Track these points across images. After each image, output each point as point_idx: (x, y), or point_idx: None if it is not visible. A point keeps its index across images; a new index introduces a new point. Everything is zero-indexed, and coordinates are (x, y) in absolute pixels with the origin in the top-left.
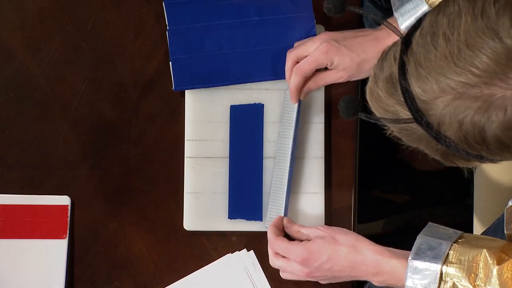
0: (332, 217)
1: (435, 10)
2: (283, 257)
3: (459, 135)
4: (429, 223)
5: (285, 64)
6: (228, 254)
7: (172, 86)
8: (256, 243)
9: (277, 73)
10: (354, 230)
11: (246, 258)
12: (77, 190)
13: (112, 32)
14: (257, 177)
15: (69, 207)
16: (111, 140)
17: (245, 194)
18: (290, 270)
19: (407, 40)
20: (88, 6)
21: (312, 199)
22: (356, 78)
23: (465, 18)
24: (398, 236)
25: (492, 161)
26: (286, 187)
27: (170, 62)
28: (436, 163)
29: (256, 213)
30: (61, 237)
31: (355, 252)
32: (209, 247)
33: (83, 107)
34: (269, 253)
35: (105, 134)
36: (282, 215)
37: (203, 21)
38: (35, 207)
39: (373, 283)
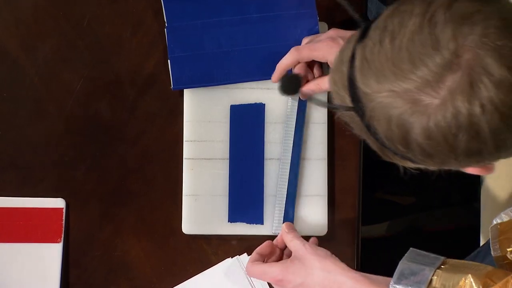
0: (336, 220)
1: (394, 5)
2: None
3: (386, 133)
4: (411, 248)
5: None
6: (228, 259)
7: (170, 85)
8: (256, 247)
9: None
10: (358, 232)
11: (246, 262)
12: (73, 192)
13: (109, 30)
14: (258, 179)
15: (63, 210)
16: (108, 140)
17: (245, 196)
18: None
19: (366, 28)
20: (84, 3)
21: (315, 202)
22: None
23: (414, 20)
24: (402, 239)
25: (423, 164)
26: (287, 191)
27: (169, 60)
28: (376, 155)
29: (256, 216)
30: (56, 241)
31: (331, 279)
32: (208, 251)
33: (79, 107)
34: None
35: (101, 134)
36: (287, 221)
37: (203, 18)
38: (29, 210)
39: None
